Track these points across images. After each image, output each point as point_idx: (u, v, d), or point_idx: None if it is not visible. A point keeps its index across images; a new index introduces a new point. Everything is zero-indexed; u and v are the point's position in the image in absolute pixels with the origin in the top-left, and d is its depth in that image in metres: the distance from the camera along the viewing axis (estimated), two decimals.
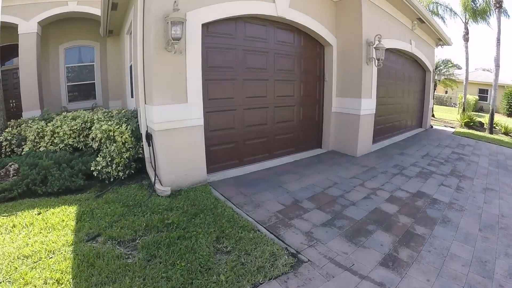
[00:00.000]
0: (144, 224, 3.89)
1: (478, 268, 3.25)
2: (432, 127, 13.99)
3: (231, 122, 6.00)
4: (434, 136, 11.64)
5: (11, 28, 10.52)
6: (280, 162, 6.74)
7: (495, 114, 15.63)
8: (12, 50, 11.03)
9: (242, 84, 6.03)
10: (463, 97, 20.45)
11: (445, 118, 19.96)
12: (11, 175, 5.76)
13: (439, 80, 16.70)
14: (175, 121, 4.83)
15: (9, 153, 7.04)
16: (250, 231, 3.78)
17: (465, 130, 14.84)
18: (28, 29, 10.61)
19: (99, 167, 5.46)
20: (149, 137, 5.07)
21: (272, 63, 6.55)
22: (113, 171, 5.51)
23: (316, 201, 4.76)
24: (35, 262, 3.15)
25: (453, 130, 14.16)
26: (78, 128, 6.63)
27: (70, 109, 10.89)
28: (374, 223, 4.12)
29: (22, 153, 6.62)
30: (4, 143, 7.03)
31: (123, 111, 7.38)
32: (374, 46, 7.17)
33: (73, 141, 6.59)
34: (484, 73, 33.71)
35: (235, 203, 4.61)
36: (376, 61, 7.30)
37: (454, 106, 29.07)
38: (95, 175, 5.54)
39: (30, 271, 2.99)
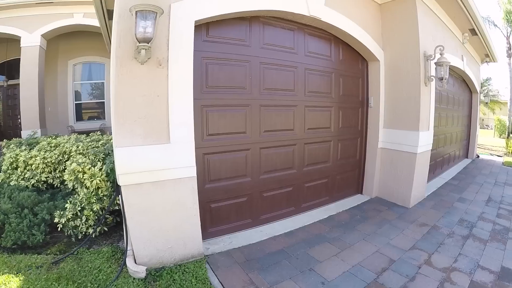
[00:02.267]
0: None
1: None
2: (478, 156, 11.72)
3: (242, 167, 4.08)
4: (486, 170, 9.50)
5: (17, 41, 9.56)
6: (309, 219, 4.68)
7: None
8: (19, 65, 9.88)
9: (260, 112, 4.09)
10: (509, 120, 17.79)
11: (484, 143, 17.48)
12: None
13: (486, 102, 14.42)
14: (150, 171, 3.01)
15: None
16: None
17: None
18: (30, 42, 9.51)
19: (63, 220, 3.89)
20: (119, 188, 3.27)
21: (302, 83, 4.58)
22: (82, 225, 3.92)
23: None
24: None
25: (501, 159, 11.91)
26: (53, 161, 5.03)
27: (77, 129, 9.91)
28: None
29: None
30: None
31: (111, 141, 5.70)
32: (435, 61, 5.15)
33: (47, 177, 5.04)
34: None
35: None
36: (439, 81, 5.24)
37: (487, 128, 26.27)
38: (59, 228, 3.97)
39: None
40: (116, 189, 3.37)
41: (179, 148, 3.13)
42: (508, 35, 17.02)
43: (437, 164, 7.68)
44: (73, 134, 6.57)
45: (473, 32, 7.86)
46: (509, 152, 13.93)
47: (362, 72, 5.63)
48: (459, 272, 3.44)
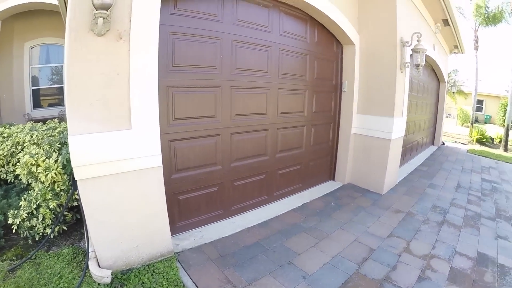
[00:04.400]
0: None
1: None
2: (443, 144, 12.00)
3: (212, 154, 3.72)
4: (452, 157, 9.76)
5: None
6: (284, 207, 4.43)
7: (490, 125, 13.94)
8: None
9: (231, 94, 3.74)
10: (472, 110, 18.35)
11: (447, 131, 18.00)
12: None
13: (453, 92, 14.72)
14: (110, 162, 2.60)
15: None
16: None
17: (478, 147, 13.12)
18: None
19: (18, 220, 3.40)
20: (77, 184, 2.85)
21: (276, 64, 4.26)
22: (38, 225, 3.44)
23: None
24: None
25: (466, 147, 12.39)
26: (5, 153, 4.50)
27: (34, 117, 9.13)
28: None
29: None
30: None
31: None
32: (412, 47, 5.00)
33: (0, 171, 4.49)
34: (479, 83, 32.15)
35: None
36: (415, 67, 5.09)
37: (449, 117, 27.19)
38: (14, 230, 3.47)
39: None
40: (73, 182, 2.95)
41: (142, 135, 2.75)
42: (477, 28, 17.41)
43: (407, 150, 7.70)
44: (29, 122, 5.98)
45: (445, 22, 7.90)
46: (472, 141, 14.45)
47: (336, 56, 5.41)
48: (439, 259, 3.39)
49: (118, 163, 2.64)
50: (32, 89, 10.29)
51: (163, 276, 2.84)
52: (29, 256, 3.24)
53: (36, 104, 10.36)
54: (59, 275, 2.92)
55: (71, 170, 3.43)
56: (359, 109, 5.48)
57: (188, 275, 2.90)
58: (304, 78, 4.79)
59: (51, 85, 10.69)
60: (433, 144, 11.24)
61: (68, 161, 3.52)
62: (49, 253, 3.30)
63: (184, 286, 2.74)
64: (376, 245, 3.60)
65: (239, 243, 3.49)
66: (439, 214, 4.64)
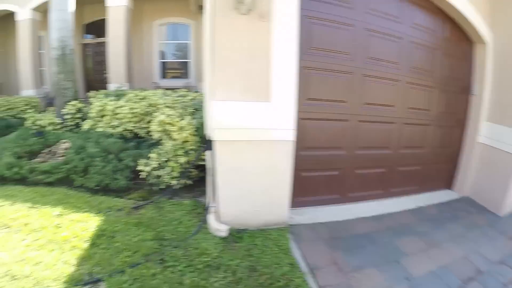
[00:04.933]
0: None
1: None
2: None
3: (339, 138, 3.81)
4: None
5: (101, 2, 9.95)
6: (397, 205, 4.33)
7: None
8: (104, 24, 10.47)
9: (361, 81, 3.76)
10: None
11: None
12: (59, 155, 4.89)
13: None
14: (247, 129, 2.91)
15: (73, 127, 6.14)
16: None
17: None
18: (117, 1, 9.84)
19: (148, 168, 3.96)
20: (209, 143, 3.21)
21: (406, 56, 4.11)
22: (165, 176, 3.99)
23: None
24: None
25: None
26: (141, 112, 5.21)
27: (161, 86, 10.24)
28: None
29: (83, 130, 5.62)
30: (66, 117, 6.00)
31: (199, 97, 5.75)
32: None
33: (134, 126, 5.25)
34: None
35: (321, 285, 2.60)
36: None
37: None
38: (142, 176, 4.10)
39: None
40: (207, 144, 3.32)
41: (279, 109, 2.98)
42: None
43: None
44: (158, 89, 6.75)
45: None
46: None
47: (466, 55, 4.92)
48: None
49: (254, 131, 2.92)
50: (160, 62, 11.65)
51: (275, 243, 3.04)
52: (153, 200, 3.75)
53: (163, 75, 11.65)
54: (178, 220, 3.33)
55: (202, 133, 3.86)
56: (489, 117, 4.91)
57: (298, 247, 3.06)
58: (432, 75, 4.53)
59: (175, 59, 11.96)
60: None
61: (201, 124, 3.96)
62: (171, 201, 3.78)
63: (292, 256, 2.90)
64: (484, 267, 3.30)
65: (350, 230, 3.55)
66: None
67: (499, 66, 4.76)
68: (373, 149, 4.13)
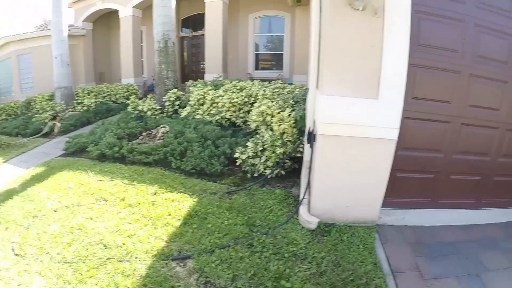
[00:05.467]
0: (252, 271, 2.54)
1: None
2: None
3: (438, 140, 3.60)
4: None
5: None
6: (487, 217, 3.90)
7: None
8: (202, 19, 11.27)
9: (468, 82, 3.47)
10: None
11: None
12: (158, 138, 5.30)
13: None
14: (352, 125, 2.90)
15: (171, 113, 6.78)
16: None
17: None
18: None
19: (244, 156, 4.20)
20: (311, 136, 3.32)
21: None
22: (260, 164, 4.16)
23: None
24: (100, 259, 2.66)
25: None
26: (239, 101, 5.53)
27: (255, 77, 10.71)
28: None
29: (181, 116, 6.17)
30: (166, 103, 6.63)
31: (296, 90, 5.90)
32: None
33: (231, 115, 5.59)
34: None
35: None
36: None
37: None
38: (237, 163, 4.37)
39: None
40: (307, 137, 3.42)
41: (386, 107, 2.92)
42: None
43: None
44: (255, 80, 7.05)
45: None
46: None
47: None
48: None
49: (359, 128, 2.91)
50: (254, 54, 12.12)
51: (361, 240, 3.04)
52: (246, 186, 3.93)
53: (256, 66, 12.12)
54: (269, 208, 3.44)
55: (302, 125, 3.98)
56: None
57: (383, 247, 3.03)
58: None
59: (268, 51, 12.33)
60: None
61: (301, 117, 4.07)
62: (263, 189, 3.90)
63: (376, 256, 2.89)
64: None
65: (436, 237, 3.39)
66: None
67: None
68: (471, 155, 3.79)
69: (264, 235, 2.97)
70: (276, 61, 12.29)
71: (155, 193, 3.68)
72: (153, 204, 3.41)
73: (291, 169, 4.28)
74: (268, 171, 4.10)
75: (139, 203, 3.41)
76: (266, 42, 12.51)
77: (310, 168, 3.27)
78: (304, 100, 4.50)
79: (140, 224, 3.12)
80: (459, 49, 3.41)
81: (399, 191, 3.65)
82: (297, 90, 5.78)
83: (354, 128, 2.91)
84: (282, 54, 12.03)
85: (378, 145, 3.02)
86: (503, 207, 4.30)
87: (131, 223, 3.08)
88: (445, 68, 3.40)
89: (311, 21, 3.38)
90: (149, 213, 3.24)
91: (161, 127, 5.63)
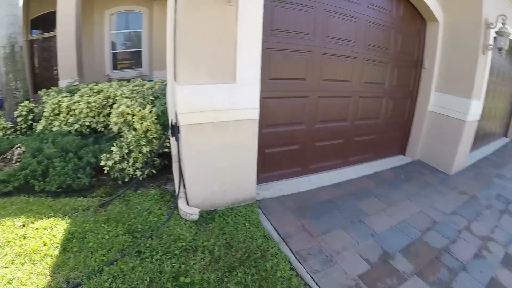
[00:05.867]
0: (148, 278, 2.40)
1: None
2: None
3: (300, 114, 4.03)
4: None
5: None
6: (356, 173, 4.72)
7: None
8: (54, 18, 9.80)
9: (321, 60, 3.98)
10: None
11: None
12: (15, 161, 4.55)
13: None
14: (213, 110, 2.96)
15: (26, 129, 5.78)
16: None
17: None
18: None
19: (110, 162, 3.90)
20: (175, 129, 3.26)
21: (363, 35, 4.40)
22: (128, 168, 3.91)
23: (414, 258, 2.96)
24: None
25: None
26: (97, 105, 5.09)
27: (113, 78, 9.81)
28: None
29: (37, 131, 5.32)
30: (19, 119, 5.74)
31: (156, 85, 5.70)
32: (496, 30, 4.84)
33: (91, 121, 5.11)
34: None
35: (295, 251, 2.81)
36: (498, 51, 4.98)
37: None
38: (106, 171, 3.99)
39: None
40: (171, 130, 3.35)
41: (245, 89, 3.07)
42: None
43: (478, 137, 7.36)
44: (114, 81, 6.62)
45: None
46: None
47: (419, 32, 5.37)
48: (496, 242, 3.47)
49: (220, 113, 2.99)
50: (112, 53, 11.22)
51: (245, 219, 3.18)
52: (119, 194, 3.66)
53: (114, 66, 11.32)
54: (148, 211, 3.30)
55: (165, 120, 3.90)
56: (437, 87, 5.44)
57: (268, 219, 3.24)
58: (387, 51, 4.88)
59: (126, 49, 11.60)
60: (505, 136, 10.57)
61: (163, 112, 3.98)
62: (137, 192, 3.72)
63: (264, 228, 3.06)
64: (439, 219, 3.76)
65: (314, 198, 3.80)
66: (502, 203, 4.61)
67: (448, 43, 5.26)
68: (331, 122, 4.42)
69: (150, 239, 2.84)
70: (135, 59, 11.64)
71: (23, 225, 3.18)
72: (24, 238, 2.98)
73: (161, 167, 4.18)
74: (138, 173, 3.91)
75: (9, 241, 2.95)
76: (124, 40, 11.70)
77: (179, 161, 3.23)
78: (164, 95, 4.42)
79: (17, 265, 2.68)
80: (310, 32, 3.82)
81: (270, 165, 3.93)
82: (157, 85, 5.64)
83: (216, 114, 2.99)
84: (140, 51, 11.46)
85: (242, 127, 3.17)
86: (368, 161, 5.21)
87: (6, 267, 2.64)
88: (299, 50, 3.78)
89: (167, 13, 3.30)
90: (22, 249, 2.83)
91: (16, 148, 4.83)
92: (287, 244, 2.88)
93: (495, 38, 4.94)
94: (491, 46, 4.96)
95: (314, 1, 3.75)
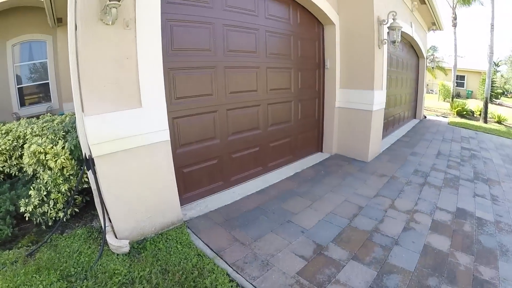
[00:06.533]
0: None
1: None
2: (425, 117, 12.62)
3: (211, 129, 4.09)
4: (433, 129, 10.34)
5: None
6: (278, 177, 4.90)
7: (472, 99, 14.82)
8: None
9: (224, 73, 4.10)
10: (453, 85, 19.12)
11: (430, 106, 18.59)
12: None
13: (432, 67, 15.40)
14: (123, 138, 2.92)
15: None
16: None
17: (459, 120, 13.80)
18: None
19: (30, 208, 3.61)
20: (89, 162, 3.14)
21: (264, 45, 4.63)
22: (50, 210, 3.66)
23: (347, 244, 3.16)
24: None
25: (447, 120, 12.99)
26: (7, 147, 4.69)
27: (22, 115, 9.00)
28: (433, 272, 2.79)
29: None
30: None
31: (67, 119, 5.40)
32: (388, 25, 5.43)
33: (3, 166, 4.70)
34: (459, 59, 33.17)
35: (231, 263, 2.86)
36: (392, 44, 5.55)
37: (432, 93, 28.13)
38: (27, 218, 3.69)
39: None
40: (86, 164, 3.22)
41: (152, 112, 3.07)
42: (454, 6, 17.95)
43: (389, 123, 8.22)
44: (22, 119, 6.16)
45: (422, 1, 8.45)
46: (453, 114, 15.15)
47: (318, 35, 5.81)
48: (421, 213, 3.87)
49: (131, 139, 2.95)
50: (17, 88, 10.32)
51: (177, 241, 3.16)
52: (45, 240, 3.44)
53: (22, 102, 10.40)
54: (78, 252, 3.15)
55: (79, 154, 3.75)
56: (341, 84, 5.94)
57: (199, 237, 3.25)
58: (289, 57, 5.19)
59: (33, 82, 10.65)
60: (415, 118, 11.78)
61: (76, 146, 3.80)
62: (64, 235, 3.51)
63: (196, 247, 3.08)
64: (364, 203, 4.08)
65: (241, 208, 3.90)
66: (420, 177, 5.14)
67: (345, 42, 5.80)
68: (244, 132, 4.56)
69: (85, 280, 2.71)
70: (43, 92, 10.70)
71: None
72: None
73: (84, 204, 3.99)
74: (61, 214, 3.69)
75: None
76: (30, 73, 10.70)
77: (100, 194, 3.12)
78: (75, 128, 4.23)
79: None
80: (211, 48, 3.93)
81: (192, 184, 3.98)
82: (67, 118, 5.35)
83: (127, 141, 2.95)
84: (48, 83, 10.58)
85: (154, 150, 3.17)
86: (288, 163, 5.45)
87: None
88: (201, 66, 3.87)
89: (68, 41, 3.17)
90: None
91: None
92: (222, 258, 2.93)
93: (388, 33, 5.52)
94: (386, 40, 5.50)
95: (212, 18, 3.89)
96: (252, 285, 2.57)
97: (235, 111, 4.34)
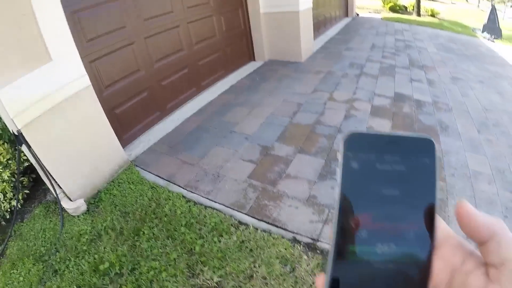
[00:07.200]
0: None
1: (503, 183, 2.81)
2: (358, 15, 12.57)
3: (133, 62, 3.84)
4: (367, 25, 10.41)
5: None
6: (213, 93, 4.82)
7: None
8: None
9: (134, 1, 3.76)
10: None
11: (362, 5, 18.46)
12: None
13: None
14: (42, 99, 2.71)
15: None
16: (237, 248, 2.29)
17: (392, 15, 13.91)
18: None
19: None
20: (20, 137, 2.99)
21: None
22: (3, 203, 3.50)
23: (292, 140, 3.33)
24: None
25: (380, 16, 13.05)
26: None
27: None
28: None
29: None
30: None
31: None
32: None
33: None
34: None
35: (184, 185, 2.95)
36: None
37: None
38: None
39: None
40: (17, 140, 3.06)
41: (64, 62, 2.85)
42: None
43: (320, 22, 8.15)
44: None
45: None
46: (386, 10, 15.40)
47: None
48: (360, 101, 4.07)
49: (51, 97, 2.76)
50: None
51: (128, 182, 3.15)
52: (9, 234, 3.36)
53: None
54: (42, 230, 3.08)
55: (9, 135, 3.52)
56: None
57: (149, 172, 3.25)
58: None
59: None
60: (347, 16, 11.69)
61: (3, 129, 3.55)
62: (24, 221, 3.39)
63: (148, 181, 3.09)
64: (303, 100, 4.20)
65: (183, 133, 3.85)
66: (356, 69, 5.31)
67: None
68: (168, 57, 4.33)
69: (57, 253, 2.71)
70: None
71: None
72: None
73: (32, 182, 3.83)
74: (14, 202, 3.56)
75: None
76: None
77: (41, 165, 3.01)
78: None
79: None
80: None
81: (128, 123, 3.84)
82: None
83: (46, 100, 2.74)
84: None
85: (78, 100, 2.98)
86: (222, 78, 5.34)
87: None
88: (108, 0, 3.48)
89: None
90: None
91: None
92: (174, 183, 3.00)
93: None
94: None
95: None
96: (208, 199, 2.70)
97: (154, 37, 4.08)
